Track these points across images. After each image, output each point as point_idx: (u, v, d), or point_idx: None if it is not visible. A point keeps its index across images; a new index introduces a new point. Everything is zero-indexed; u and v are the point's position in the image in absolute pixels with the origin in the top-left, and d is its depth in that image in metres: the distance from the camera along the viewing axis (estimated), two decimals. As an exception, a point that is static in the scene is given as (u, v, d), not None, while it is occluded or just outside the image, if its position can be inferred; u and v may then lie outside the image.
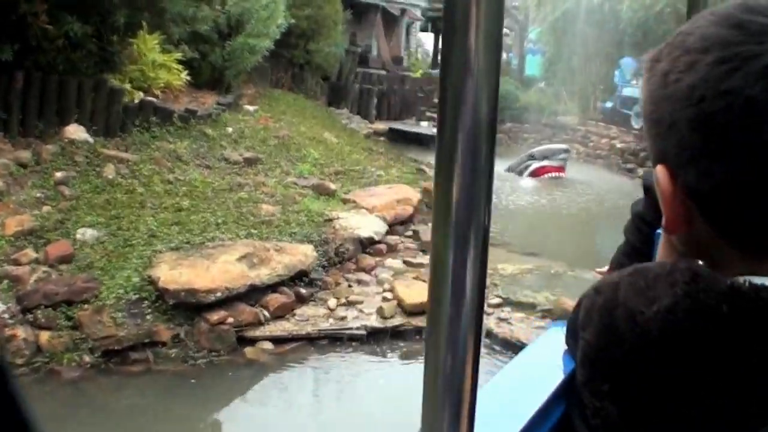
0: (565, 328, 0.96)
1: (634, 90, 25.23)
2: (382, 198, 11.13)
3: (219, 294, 7.53)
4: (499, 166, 19.12)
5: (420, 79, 28.11)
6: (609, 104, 26.95)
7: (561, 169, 18.63)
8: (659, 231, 0.92)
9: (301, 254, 8.42)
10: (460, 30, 0.64)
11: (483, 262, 0.68)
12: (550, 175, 18.36)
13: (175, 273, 7.77)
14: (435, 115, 23.54)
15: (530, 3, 34.20)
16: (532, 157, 18.76)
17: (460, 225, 0.67)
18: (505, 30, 37.80)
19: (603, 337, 0.79)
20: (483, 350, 6.23)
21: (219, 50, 16.69)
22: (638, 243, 1.59)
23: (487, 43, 0.64)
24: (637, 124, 23.98)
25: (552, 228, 13.69)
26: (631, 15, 24.51)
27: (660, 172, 0.79)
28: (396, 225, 10.85)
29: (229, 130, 13.73)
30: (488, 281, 8.70)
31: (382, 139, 23.81)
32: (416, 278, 8.82)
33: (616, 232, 1.20)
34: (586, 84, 27.26)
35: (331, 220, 9.79)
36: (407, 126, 25.38)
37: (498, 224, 12.97)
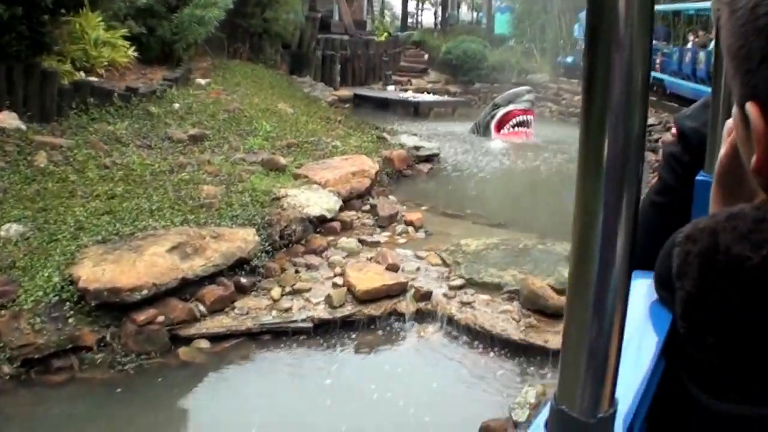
0: (652, 280, 0.95)
1: None
2: (336, 171, 10.35)
3: (145, 291, 6.75)
4: (465, 127, 18.43)
5: (384, 42, 27.25)
6: (569, 59, 26.61)
7: (529, 111, 17.91)
8: (701, 177, 1.12)
9: (241, 240, 7.64)
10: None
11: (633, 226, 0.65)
12: (518, 118, 17.62)
13: (97, 270, 6.97)
14: (401, 78, 23.11)
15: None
16: (496, 106, 18.03)
17: (610, 183, 0.64)
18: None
19: (706, 287, 0.76)
20: (444, 339, 5.02)
21: (167, 24, 15.79)
22: (672, 182, 1.61)
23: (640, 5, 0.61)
24: None
25: (523, 195, 12.95)
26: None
27: (752, 109, 0.75)
28: (352, 199, 10.11)
29: (176, 106, 12.88)
30: (450, 259, 7.96)
31: (347, 105, 23.09)
32: (371, 259, 8.07)
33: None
34: (556, 40, 26.46)
35: (278, 198, 9.00)
36: (373, 91, 24.62)
37: (464, 193, 12.24)
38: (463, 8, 61.84)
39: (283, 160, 10.63)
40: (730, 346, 0.74)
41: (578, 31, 26.78)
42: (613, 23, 0.62)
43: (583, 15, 24.12)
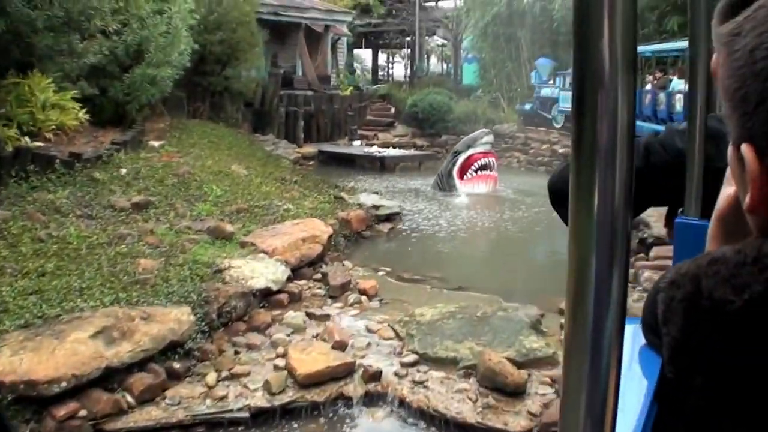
0: (639, 326, 0.98)
1: (552, 90, 25.07)
2: (286, 237, 9.81)
3: (64, 383, 6.12)
4: (430, 181, 18.03)
5: (349, 96, 26.96)
6: (527, 106, 26.58)
7: (490, 153, 17.60)
8: (681, 220, 1.15)
9: (174, 320, 7.05)
10: (593, 40, 0.64)
11: (625, 267, 0.68)
12: (480, 161, 17.28)
13: (15, 360, 6.34)
14: (368, 133, 22.86)
15: (461, 11, 33.28)
16: (456, 153, 17.68)
17: (601, 230, 0.66)
18: (443, 41, 36.89)
19: (690, 332, 0.78)
20: (396, 424, 4.21)
21: (119, 84, 15.31)
22: (646, 166, 1.53)
23: (623, 44, 0.64)
24: (558, 123, 23.99)
25: (486, 254, 12.46)
26: (564, 13, 23.58)
27: (747, 151, 0.78)
28: (302, 268, 9.56)
29: (123, 171, 12.34)
30: (403, 332, 7.42)
31: (311, 163, 22.75)
32: (318, 336, 7.51)
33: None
34: (521, 88, 26.34)
35: (221, 270, 8.44)
36: (338, 147, 24.30)
37: (424, 255, 11.75)
38: (433, 60, 62.20)
39: (230, 228, 10.08)
40: (714, 390, 0.75)
41: (535, 78, 26.86)
42: (598, 64, 0.63)
43: (540, 61, 24.48)
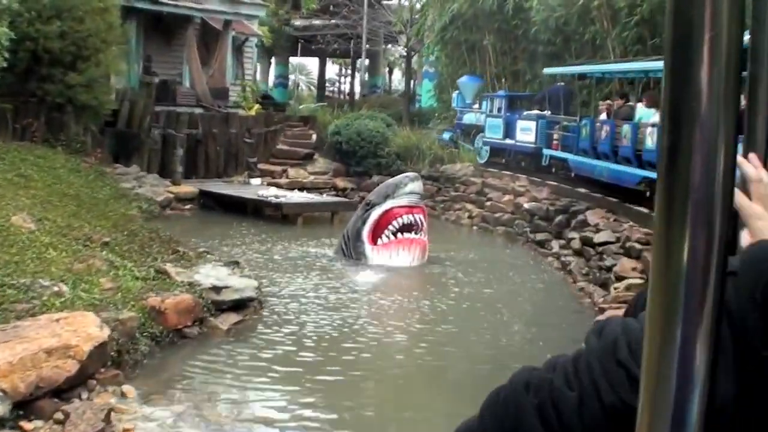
0: None
1: (477, 116, 24.46)
2: (21, 347, 7.54)
3: None
4: (329, 249, 16.06)
5: (252, 117, 24.88)
6: (446, 135, 25.92)
7: (417, 208, 15.54)
8: None
9: None
10: (692, 70, 0.72)
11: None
12: (401, 220, 15.31)
13: None
14: (276, 168, 20.73)
15: (415, 10, 31.66)
16: (369, 206, 15.65)
17: (690, 294, 0.75)
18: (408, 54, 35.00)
19: None
20: None
21: None
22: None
23: (727, 76, 0.72)
24: (482, 159, 23.50)
25: (379, 391, 10.04)
26: (547, 15, 21.86)
27: None
28: (40, 399, 7.32)
29: None
30: None
31: (188, 207, 20.96)
32: None
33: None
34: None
35: None
36: (229, 187, 22.35)
37: (269, 372, 9.52)
38: (397, 75, 60.25)
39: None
40: None
41: (456, 100, 26.08)
42: (695, 100, 0.71)
43: (463, 81, 22.73)
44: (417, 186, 15.58)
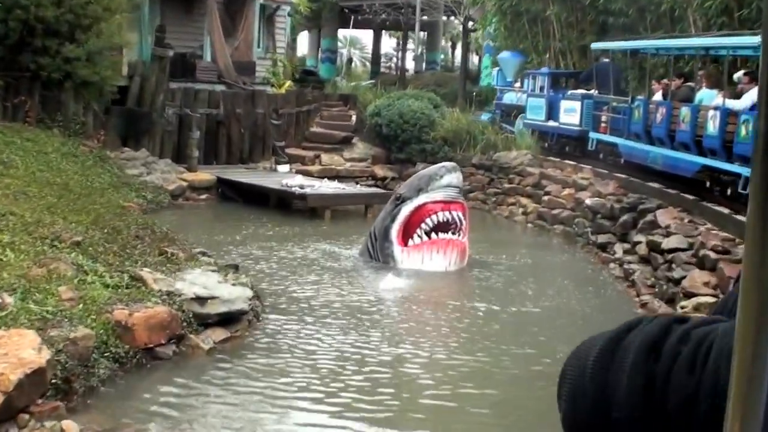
0: None
1: (517, 96, 24.46)
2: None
3: None
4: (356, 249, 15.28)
5: (282, 96, 24.14)
6: (484, 116, 25.81)
7: (455, 203, 14.54)
8: None
9: None
10: None
11: None
12: (436, 217, 14.33)
13: None
14: (308, 153, 20.03)
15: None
16: (399, 200, 14.65)
17: None
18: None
19: None
20: None
21: None
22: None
23: None
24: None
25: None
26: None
27: None
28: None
29: None
30: None
31: (203, 197, 20.22)
32: None
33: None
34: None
35: None
36: (251, 174, 21.85)
37: (247, 408, 8.65)
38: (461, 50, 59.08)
39: None
40: None
41: (497, 78, 26.36)
42: None
43: (503, 57, 23.52)
44: (455, 178, 14.58)
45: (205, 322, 10.08)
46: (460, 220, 14.41)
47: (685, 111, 15.94)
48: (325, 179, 21.33)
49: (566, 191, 19.11)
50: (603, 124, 19.79)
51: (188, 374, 9.25)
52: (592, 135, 20.08)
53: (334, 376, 9.51)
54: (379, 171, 23.70)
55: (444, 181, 14.36)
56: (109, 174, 17.72)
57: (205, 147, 22.21)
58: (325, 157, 23.82)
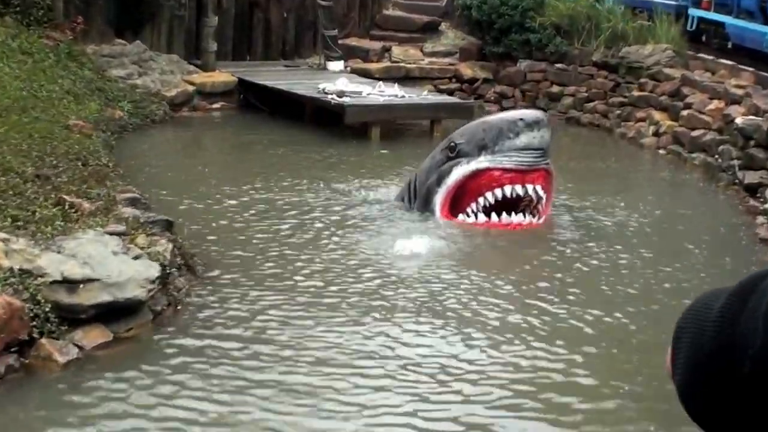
0: None
1: None
2: None
3: None
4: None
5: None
6: None
7: (534, 173, 12.50)
8: None
9: None
10: None
11: None
12: (502, 191, 12.46)
13: None
14: (376, 45, 18.94)
15: None
16: (454, 152, 12.78)
17: None
18: None
19: None
20: None
21: None
22: None
23: None
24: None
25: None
26: None
27: None
28: None
29: None
30: None
31: (217, 106, 19.81)
32: None
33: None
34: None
35: None
36: (282, 75, 20.82)
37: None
38: None
39: None
40: None
41: None
42: None
43: None
44: (539, 137, 12.47)
45: (76, 318, 8.47)
46: (539, 196, 12.56)
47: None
48: (384, 83, 19.79)
49: (713, 104, 17.33)
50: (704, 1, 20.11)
51: (23, 405, 7.60)
52: (692, 12, 20.12)
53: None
54: (467, 70, 22.30)
55: (520, 141, 12.36)
56: (75, 77, 16.75)
57: (234, 37, 21.49)
58: (397, 51, 22.78)
